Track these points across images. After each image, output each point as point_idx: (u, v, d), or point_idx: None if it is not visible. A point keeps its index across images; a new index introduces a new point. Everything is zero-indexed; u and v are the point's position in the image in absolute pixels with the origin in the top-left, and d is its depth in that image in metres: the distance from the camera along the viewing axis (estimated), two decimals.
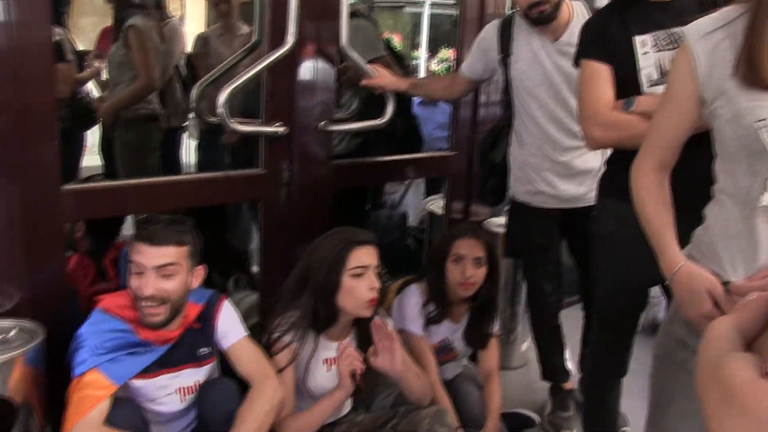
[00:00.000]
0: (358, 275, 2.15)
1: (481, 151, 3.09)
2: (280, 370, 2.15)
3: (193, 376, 2.11)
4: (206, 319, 2.12)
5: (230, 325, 2.16)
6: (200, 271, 2.08)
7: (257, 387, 2.06)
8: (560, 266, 2.91)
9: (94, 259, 2.69)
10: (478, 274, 2.50)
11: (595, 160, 2.58)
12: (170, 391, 2.07)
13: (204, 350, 2.12)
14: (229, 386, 2.10)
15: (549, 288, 2.88)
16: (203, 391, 2.11)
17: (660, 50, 1.91)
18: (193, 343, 2.10)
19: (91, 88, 4.26)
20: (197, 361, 2.11)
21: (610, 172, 2.14)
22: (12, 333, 1.92)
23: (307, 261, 2.22)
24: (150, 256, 1.93)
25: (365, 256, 2.18)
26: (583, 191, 2.62)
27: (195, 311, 2.09)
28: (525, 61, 2.57)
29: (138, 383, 1.99)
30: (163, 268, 1.94)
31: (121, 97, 3.75)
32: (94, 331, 1.92)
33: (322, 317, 2.21)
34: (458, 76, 2.89)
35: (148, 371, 1.99)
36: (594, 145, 2.04)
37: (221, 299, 2.18)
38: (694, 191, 1.53)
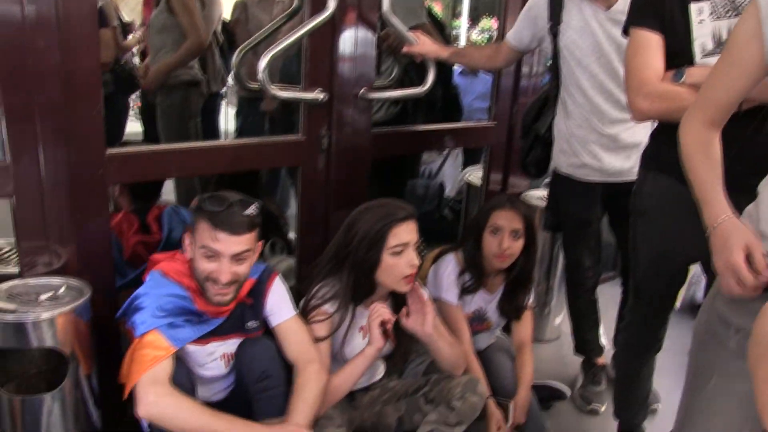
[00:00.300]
0: (398, 253, 2.17)
1: (524, 122, 3.06)
2: (317, 340, 2.20)
3: (237, 345, 2.16)
4: (257, 295, 2.16)
5: (280, 303, 2.19)
6: (260, 246, 2.11)
7: (303, 374, 2.10)
8: (600, 241, 2.88)
9: (139, 216, 2.76)
10: (515, 246, 2.50)
11: (644, 134, 2.52)
12: (216, 357, 2.13)
13: (252, 323, 2.16)
14: (266, 345, 2.14)
15: (588, 262, 2.86)
16: (241, 347, 2.15)
17: (718, 18, 1.83)
18: (243, 315, 2.15)
19: (134, 55, 4.31)
20: (245, 333, 2.16)
21: (654, 145, 2.10)
22: (61, 290, 2.00)
23: (346, 234, 2.23)
24: (229, 244, 1.95)
25: (405, 234, 2.18)
26: (629, 166, 2.58)
27: (248, 286, 2.13)
28: (575, 29, 2.52)
29: (190, 348, 2.05)
30: (239, 255, 1.98)
31: (170, 61, 3.80)
32: (155, 294, 1.97)
33: (361, 290, 2.24)
34: (503, 46, 2.83)
35: (201, 338, 2.05)
36: (640, 116, 1.96)
37: (273, 275, 2.21)
38: (750, 168, 1.50)
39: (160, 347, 1.92)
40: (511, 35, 2.77)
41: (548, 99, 2.88)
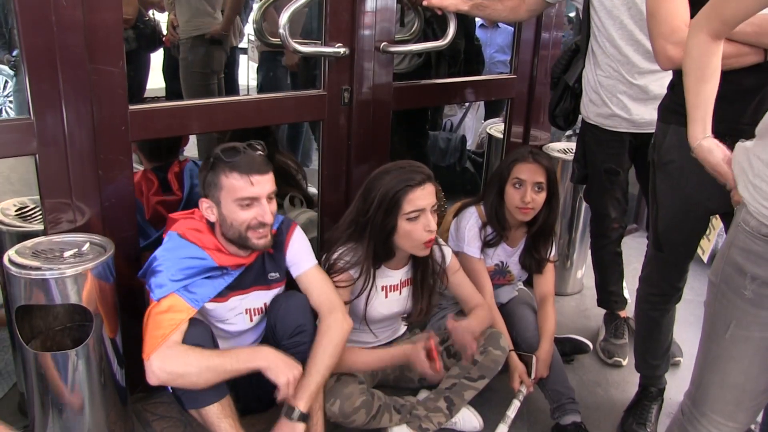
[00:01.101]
0: (414, 218, 2.16)
1: (553, 73, 3.01)
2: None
3: (262, 298, 2.18)
4: (278, 244, 2.17)
5: (301, 253, 2.20)
6: None
7: (326, 320, 2.12)
8: (627, 192, 2.86)
9: (158, 173, 2.77)
10: (538, 199, 2.49)
11: None
12: (239, 312, 2.15)
13: (273, 275, 2.18)
14: (300, 299, 2.16)
15: (614, 213, 2.84)
16: (275, 301, 2.18)
17: None
18: (264, 267, 2.16)
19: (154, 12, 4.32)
20: (267, 284, 2.18)
21: (674, 97, 2.06)
22: (85, 247, 2.01)
23: (365, 199, 2.22)
24: (263, 184, 1.98)
25: (421, 199, 2.16)
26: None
27: None
28: None
29: (210, 306, 2.07)
30: (271, 193, 2.02)
31: (230, 10, 4.02)
32: (172, 257, 1.98)
33: (381, 254, 2.24)
34: None
35: (220, 295, 2.06)
36: (668, 64, 1.93)
37: (293, 226, 2.22)
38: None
39: (180, 310, 1.94)
40: None
41: (578, 49, 2.83)
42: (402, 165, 2.23)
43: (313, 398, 2.02)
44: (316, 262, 2.22)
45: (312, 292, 2.17)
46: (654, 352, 2.46)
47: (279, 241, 2.17)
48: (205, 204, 2.04)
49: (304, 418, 1.99)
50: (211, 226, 2.08)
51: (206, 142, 3.91)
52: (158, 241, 2.13)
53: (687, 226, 2.15)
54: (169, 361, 1.87)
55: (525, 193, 2.47)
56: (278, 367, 1.94)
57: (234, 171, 1.95)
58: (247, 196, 1.96)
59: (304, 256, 2.20)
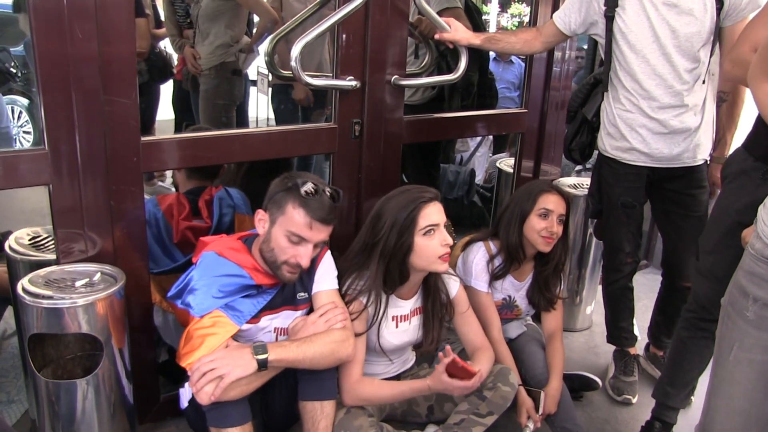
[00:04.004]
0: (430, 233, 2.17)
1: (570, 106, 3.03)
2: (356, 335, 2.20)
3: (290, 318, 2.19)
4: (309, 267, 2.18)
5: (326, 275, 2.22)
6: None
7: (334, 332, 2.10)
8: (642, 227, 2.86)
9: (190, 197, 2.79)
10: (559, 231, 2.51)
11: (693, 120, 2.51)
12: (268, 331, 2.16)
13: (302, 295, 2.20)
14: None
15: (628, 248, 2.83)
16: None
17: None
18: (294, 287, 2.19)
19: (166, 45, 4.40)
20: (295, 305, 2.19)
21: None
22: (96, 277, 2.03)
23: (374, 225, 2.23)
24: (319, 233, 2.02)
25: (434, 214, 2.18)
26: (678, 152, 2.57)
27: None
28: (631, 14, 2.49)
29: (245, 327, 2.08)
30: (320, 243, 2.05)
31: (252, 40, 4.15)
32: (211, 275, 2.01)
33: (395, 278, 2.24)
34: (545, 28, 2.79)
35: (254, 316, 2.08)
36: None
37: (325, 249, 2.24)
38: None
39: (225, 326, 1.96)
40: (558, 17, 2.72)
41: (596, 83, 2.85)
42: (408, 188, 2.25)
43: (281, 359, 1.96)
44: (337, 287, 2.23)
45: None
46: (672, 378, 2.44)
47: (311, 263, 2.17)
48: (260, 216, 2.07)
49: (264, 362, 1.93)
50: (246, 244, 2.11)
51: (226, 173, 3.96)
52: (187, 265, 2.15)
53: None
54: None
55: (552, 224, 2.49)
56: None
57: (303, 207, 1.99)
58: (301, 235, 2.00)
59: (328, 279, 2.23)
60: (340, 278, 2.28)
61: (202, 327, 1.94)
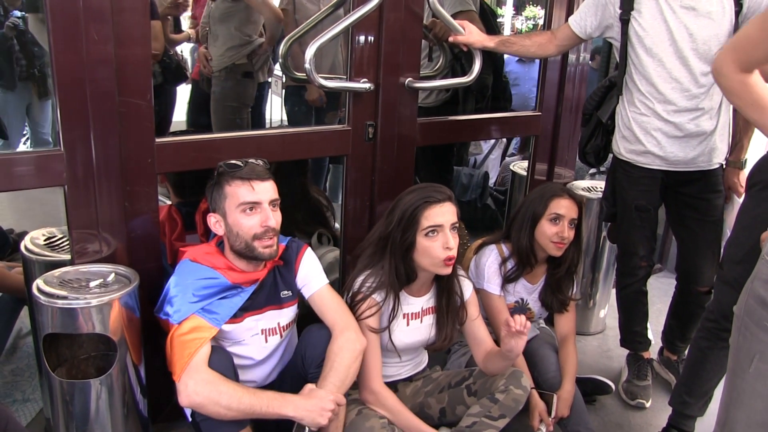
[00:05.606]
0: (432, 234, 2.17)
1: (585, 109, 3.01)
2: (371, 331, 2.22)
3: (276, 318, 2.21)
4: (289, 260, 2.22)
5: (312, 273, 2.24)
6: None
7: (337, 341, 2.13)
8: (656, 230, 2.84)
9: (183, 212, 2.77)
10: (571, 235, 2.51)
11: (709, 124, 2.50)
12: (255, 332, 2.17)
13: (285, 293, 2.22)
14: (326, 333, 2.18)
15: (642, 252, 2.81)
16: (307, 330, 2.22)
17: None
18: (276, 285, 2.20)
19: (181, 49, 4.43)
20: (279, 303, 2.21)
21: None
22: (110, 277, 2.04)
23: (387, 219, 2.25)
24: (264, 190, 2.05)
25: (439, 216, 2.17)
26: (693, 156, 2.55)
27: (279, 250, 2.17)
28: (648, 17, 2.48)
29: (227, 327, 2.09)
30: (274, 201, 2.07)
31: (266, 40, 4.16)
32: (186, 281, 2.02)
33: (403, 275, 2.24)
34: (560, 31, 2.78)
35: (235, 316, 2.09)
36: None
37: (304, 247, 2.27)
38: None
39: (203, 329, 1.97)
40: (574, 20, 2.71)
41: (612, 86, 2.84)
42: (425, 185, 2.26)
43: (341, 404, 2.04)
44: (327, 281, 2.25)
45: (325, 312, 2.21)
46: (691, 387, 2.42)
47: (289, 259, 2.23)
48: (213, 219, 2.10)
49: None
50: (220, 247, 2.14)
51: None
52: None
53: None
54: (203, 386, 1.90)
55: (563, 229, 2.48)
56: (308, 416, 1.96)
57: (236, 179, 2.03)
58: (250, 200, 2.02)
59: (315, 276, 2.25)
60: (354, 267, 2.30)
61: (181, 333, 1.96)
